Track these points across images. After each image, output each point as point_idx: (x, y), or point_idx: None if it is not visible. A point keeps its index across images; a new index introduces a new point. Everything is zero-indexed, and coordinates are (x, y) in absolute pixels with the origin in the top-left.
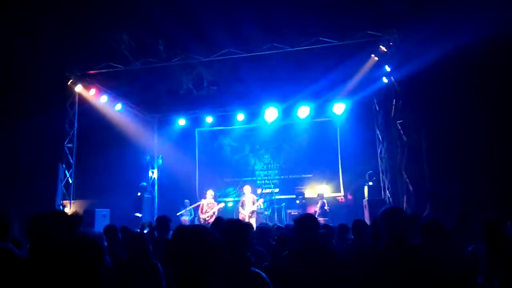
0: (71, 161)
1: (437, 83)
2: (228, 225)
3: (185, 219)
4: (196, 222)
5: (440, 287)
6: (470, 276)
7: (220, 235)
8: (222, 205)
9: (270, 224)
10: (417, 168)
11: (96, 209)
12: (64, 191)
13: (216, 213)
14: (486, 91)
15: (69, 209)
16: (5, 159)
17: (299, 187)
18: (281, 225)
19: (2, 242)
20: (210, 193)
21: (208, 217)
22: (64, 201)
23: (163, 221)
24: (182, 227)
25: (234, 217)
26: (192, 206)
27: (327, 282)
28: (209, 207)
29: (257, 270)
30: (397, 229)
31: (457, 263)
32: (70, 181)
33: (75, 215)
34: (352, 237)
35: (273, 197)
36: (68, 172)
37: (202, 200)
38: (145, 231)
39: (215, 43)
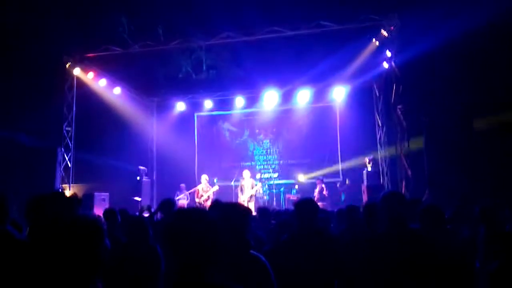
0: (70, 144)
1: (438, 68)
2: (227, 208)
3: (183, 203)
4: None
5: (440, 272)
6: (468, 261)
7: (219, 218)
8: (216, 188)
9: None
10: (416, 153)
11: (95, 193)
12: (63, 174)
13: (211, 196)
14: (488, 76)
15: (68, 193)
16: (4, 143)
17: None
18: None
19: (1, 225)
20: (204, 177)
21: (203, 201)
22: (63, 185)
23: (168, 204)
24: (182, 210)
25: (233, 201)
26: (189, 191)
27: (326, 267)
28: (204, 191)
29: (256, 253)
30: (397, 213)
31: (456, 249)
32: (69, 165)
33: (74, 197)
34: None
35: (272, 182)
36: (67, 155)
37: (198, 185)
38: (144, 215)
39: (214, 26)
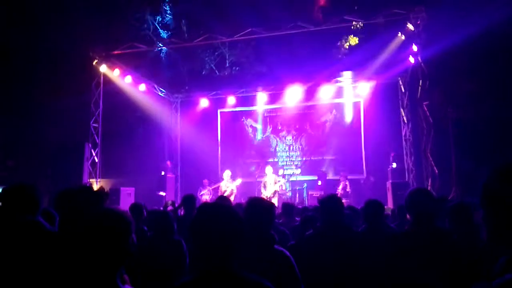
0: (97, 140)
1: (466, 62)
2: (252, 203)
3: (206, 198)
4: None
5: (464, 272)
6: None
7: (244, 213)
8: (239, 181)
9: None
10: (443, 150)
11: (121, 188)
12: (91, 169)
13: (234, 190)
14: None
15: (95, 187)
16: (34, 138)
17: (322, 169)
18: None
19: (32, 216)
20: (226, 173)
21: (227, 195)
22: (91, 180)
23: (190, 200)
24: (208, 204)
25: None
26: (212, 187)
27: (351, 263)
28: (226, 187)
29: (280, 248)
30: (424, 211)
31: (483, 249)
32: (96, 160)
33: (101, 191)
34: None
35: (295, 178)
36: (94, 151)
37: (220, 182)
38: (168, 209)
39: (237, 23)
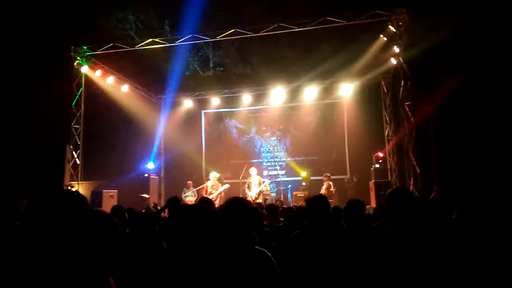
0: (79, 142)
1: (447, 63)
2: (230, 202)
3: (191, 200)
4: None
5: (449, 272)
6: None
7: (225, 213)
8: (227, 186)
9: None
10: (425, 150)
11: (104, 190)
12: (72, 171)
13: (222, 194)
14: (499, 69)
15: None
16: (13, 140)
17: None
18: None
19: (9, 220)
20: (214, 175)
21: (212, 198)
22: (72, 182)
23: (174, 202)
24: (187, 206)
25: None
26: (197, 188)
27: (336, 264)
28: (213, 189)
29: (261, 248)
30: (403, 210)
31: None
32: (78, 162)
33: (80, 195)
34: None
35: (279, 179)
36: (76, 153)
37: (207, 182)
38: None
39: (221, 23)
